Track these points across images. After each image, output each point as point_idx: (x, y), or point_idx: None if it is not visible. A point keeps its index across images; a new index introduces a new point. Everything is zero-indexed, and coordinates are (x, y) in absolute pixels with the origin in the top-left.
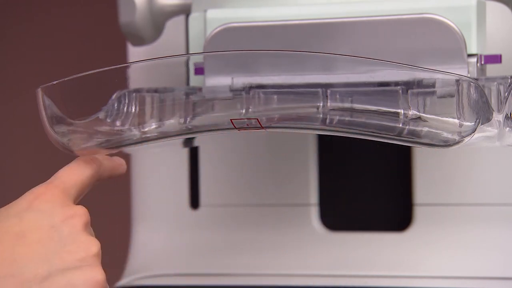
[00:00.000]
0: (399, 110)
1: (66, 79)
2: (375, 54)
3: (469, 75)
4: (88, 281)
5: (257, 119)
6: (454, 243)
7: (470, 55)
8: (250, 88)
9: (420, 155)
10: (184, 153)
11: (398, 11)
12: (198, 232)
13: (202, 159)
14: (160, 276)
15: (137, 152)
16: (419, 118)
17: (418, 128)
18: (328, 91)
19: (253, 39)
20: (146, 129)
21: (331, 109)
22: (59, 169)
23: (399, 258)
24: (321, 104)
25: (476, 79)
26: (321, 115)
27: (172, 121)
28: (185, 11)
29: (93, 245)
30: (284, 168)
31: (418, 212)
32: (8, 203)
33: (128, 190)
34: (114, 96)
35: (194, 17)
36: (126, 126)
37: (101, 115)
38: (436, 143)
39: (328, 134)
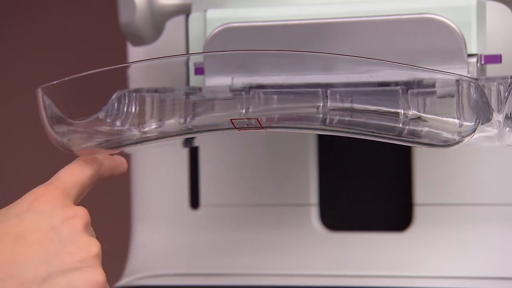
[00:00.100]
0: (399, 110)
1: (66, 79)
2: (375, 54)
3: (469, 75)
4: (88, 282)
5: (257, 119)
6: (454, 243)
7: (470, 55)
8: (250, 88)
9: (420, 155)
10: (184, 153)
11: (398, 11)
12: (198, 232)
13: (202, 159)
14: (160, 276)
15: (137, 152)
16: (419, 118)
17: (418, 128)
18: (328, 91)
19: (253, 39)
20: (146, 129)
21: (331, 109)
22: (59, 169)
23: (399, 258)
24: (321, 104)
25: (476, 79)
26: (321, 115)
27: (172, 121)
28: (185, 11)
29: (93, 246)
30: (284, 168)
31: (418, 212)
32: (8, 204)
33: (128, 190)
34: (114, 96)
35: (194, 17)
36: (126, 126)
37: (101, 115)
38: (436, 143)
39: (328, 134)
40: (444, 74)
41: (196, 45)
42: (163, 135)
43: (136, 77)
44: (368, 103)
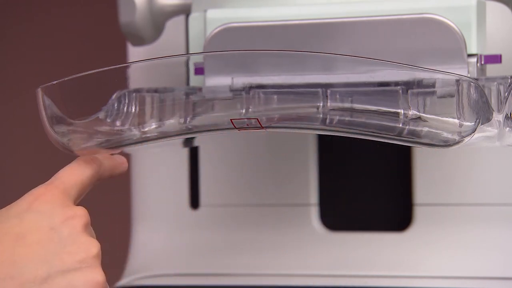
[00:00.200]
0: (399, 110)
1: (66, 79)
2: (375, 54)
3: (469, 75)
4: (88, 283)
5: (257, 119)
6: (454, 243)
7: (470, 55)
8: (250, 88)
9: (420, 155)
10: (184, 153)
11: (398, 11)
12: (198, 232)
13: (202, 159)
14: (160, 276)
15: (137, 152)
16: (419, 118)
17: (418, 128)
18: (328, 91)
19: (253, 39)
20: (146, 129)
21: (331, 109)
22: (59, 169)
23: (399, 258)
24: (321, 104)
25: (476, 79)
26: (321, 115)
27: (172, 121)
28: (185, 11)
29: (93, 246)
30: (284, 168)
31: (418, 212)
32: (8, 204)
33: (128, 190)
34: (114, 96)
35: (194, 17)
36: (126, 126)
37: (101, 115)
38: (436, 143)
39: (328, 134)
40: (444, 74)
41: (196, 45)
42: (163, 135)
43: (136, 77)
44: (368, 103)
